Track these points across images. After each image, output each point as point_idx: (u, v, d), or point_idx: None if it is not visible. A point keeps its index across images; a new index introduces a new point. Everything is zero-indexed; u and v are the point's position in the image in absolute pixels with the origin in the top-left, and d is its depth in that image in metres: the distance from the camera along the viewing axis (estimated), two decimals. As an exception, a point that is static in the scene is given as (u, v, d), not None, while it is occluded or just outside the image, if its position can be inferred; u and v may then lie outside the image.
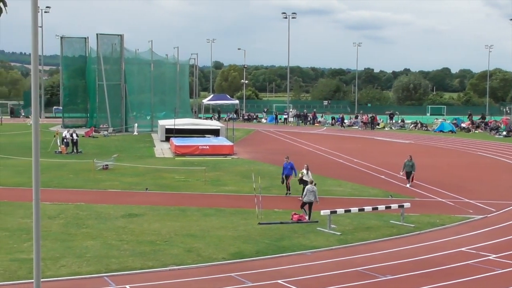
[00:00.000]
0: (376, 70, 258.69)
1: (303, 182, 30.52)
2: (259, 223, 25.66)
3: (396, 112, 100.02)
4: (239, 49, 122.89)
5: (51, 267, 19.14)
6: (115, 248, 21.67)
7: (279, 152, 52.63)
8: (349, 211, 26.08)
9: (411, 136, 73.33)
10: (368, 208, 26.60)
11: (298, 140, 65.29)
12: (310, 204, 26.62)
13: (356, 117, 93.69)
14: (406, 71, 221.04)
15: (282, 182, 32.51)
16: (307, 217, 26.51)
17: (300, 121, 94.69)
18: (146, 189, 33.98)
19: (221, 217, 26.97)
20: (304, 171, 30.88)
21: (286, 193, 32.20)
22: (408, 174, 35.92)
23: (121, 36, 76.06)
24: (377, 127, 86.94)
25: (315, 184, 27.37)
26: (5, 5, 5.11)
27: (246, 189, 33.13)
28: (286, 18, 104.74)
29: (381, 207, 26.88)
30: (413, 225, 25.98)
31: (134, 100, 78.17)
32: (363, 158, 49.40)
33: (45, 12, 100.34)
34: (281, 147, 58.79)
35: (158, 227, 24.91)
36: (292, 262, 20.61)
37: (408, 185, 35.53)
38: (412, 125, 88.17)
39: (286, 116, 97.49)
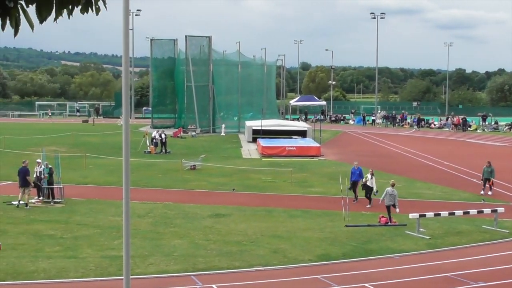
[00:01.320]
0: (468, 71, 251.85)
1: (367, 188, 29.96)
2: (346, 225, 25.46)
3: (489, 114, 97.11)
4: (326, 50, 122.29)
5: (140, 264, 19.53)
6: (202, 248, 21.92)
7: (367, 154, 52.07)
8: (439, 214, 25.53)
9: (505, 139, 71.12)
10: (459, 212, 25.99)
11: (386, 142, 64.46)
12: (392, 207, 26.25)
13: (447, 119, 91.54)
14: (501, 71, 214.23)
15: (350, 188, 30.93)
16: (392, 221, 26.14)
17: (389, 123, 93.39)
18: (233, 189, 34.25)
19: (307, 219, 26.90)
20: (369, 176, 29.95)
21: (354, 201, 30.58)
22: (486, 181, 33.97)
23: (209, 37, 76.95)
24: (469, 129, 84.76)
25: (392, 186, 26.88)
26: (104, 3, 5.23)
27: (333, 190, 32.92)
28: (374, 18, 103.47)
29: (473, 212, 26.21)
30: (507, 231, 25.20)
31: (222, 101, 78.86)
32: (453, 160, 48.26)
33: (136, 15, 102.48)
34: (369, 148, 58.20)
35: (245, 228, 25.06)
36: (380, 265, 20.35)
37: (489, 192, 33.87)
38: (507, 127, 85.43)
39: (374, 118, 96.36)
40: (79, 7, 5.08)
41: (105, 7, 5.32)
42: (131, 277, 12.32)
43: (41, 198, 29.90)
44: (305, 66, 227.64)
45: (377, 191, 29.50)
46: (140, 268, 19.23)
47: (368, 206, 29.37)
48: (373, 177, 29.88)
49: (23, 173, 29.17)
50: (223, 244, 22.53)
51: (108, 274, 18.71)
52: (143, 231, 24.16)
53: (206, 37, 77.43)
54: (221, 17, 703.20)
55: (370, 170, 30.59)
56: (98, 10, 5.20)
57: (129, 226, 11.99)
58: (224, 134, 70.79)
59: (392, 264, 20.56)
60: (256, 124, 62.05)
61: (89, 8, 5.14)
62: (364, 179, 30.27)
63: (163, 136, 52.10)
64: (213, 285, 17.92)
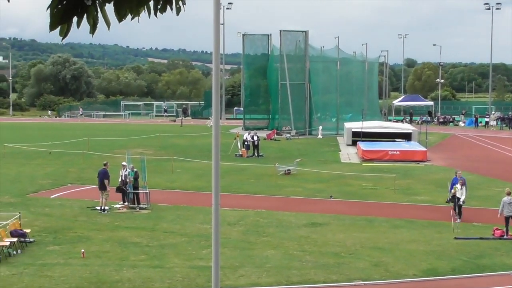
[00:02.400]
0: None
1: (457, 199, 28.18)
2: (455, 238, 24.92)
3: None
4: (434, 45, 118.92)
5: (230, 276, 19.66)
6: (297, 259, 21.88)
7: (479, 159, 50.90)
8: None
9: None
10: None
11: (501, 146, 62.64)
12: (510, 218, 25.45)
13: None
14: None
15: (448, 201, 29.55)
16: (508, 234, 25.37)
17: (504, 125, 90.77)
18: (331, 196, 34.10)
19: (412, 230, 26.48)
20: (458, 186, 28.43)
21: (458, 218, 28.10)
22: None
23: (305, 32, 76.77)
24: None
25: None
26: (183, 3, 5.33)
27: (440, 199, 32.33)
28: (489, 9, 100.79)
29: None
30: None
31: (319, 100, 78.52)
32: None
33: (227, 8, 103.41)
34: (481, 153, 56.79)
35: (343, 238, 24.88)
36: (493, 283, 19.81)
37: None
38: None
39: (487, 119, 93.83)
40: (159, 6, 5.19)
41: (183, 7, 5.39)
42: (220, 289, 12.42)
43: (126, 203, 30.54)
44: (410, 63, 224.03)
45: (463, 202, 28.41)
46: (230, 279, 19.35)
47: (458, 221, 27.42)
48: (464, 187, 28.45)
49: (102, 176, 30.08)
50: (320, 255, 22.45)
51: (196, 286, 18.94)
52: (234, 240, 24.32)
53: (302, 31, 77.31)
54: (319, 10, 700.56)
55: (461, 179, 29.11)
56: (178, 10, 5.29)
57: (218, 234, 12.09)
58: (321, 137, 70.48)
59: (508, 282, 19.99)
60: (356, 126, 61.42)
61: (168, 7, 5.25)
62: (453, 190, 28.67)
63: (255, 138, 52.38)
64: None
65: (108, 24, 5.06)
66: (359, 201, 33.41)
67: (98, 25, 5.01)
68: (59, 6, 4.77)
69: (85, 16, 4.91)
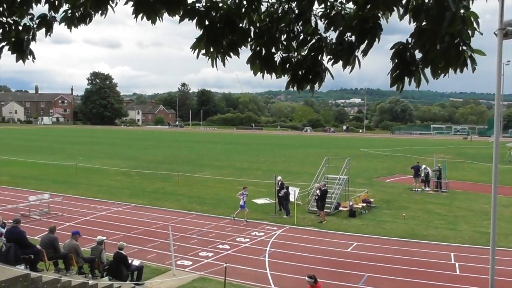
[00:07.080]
0: None
1: None
2: None
3: None
4: None
5: (502, 240, 17.72)
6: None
7: None
8: None
9: None
10: None
11: None
12: None
13: None
14: None
15: None
16: None
17: None
18: None
19: None
20: None
21: None
22: None
23: None
24: None
25: None
26: None
27: None
28: None
29: None
30: None
31: None
32: None
33: (506, 65, 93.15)
34: None
35: None
36: None
37: None
38: None
39: None
40: None
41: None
42: (495, 248, 11.34)
43: (430, 187, 29.19)
44: None
45: None
46: (503, 242, 17.41)
47: None
48: None
49: (416, 169, 29.45)
50: None
51: (478, 244, 17.43)
52: (506, 216, 21.83)
53: None
54: None
55: None
56: None
57: (495, 212, 11.09)
58: None
59: None
60: None
61: None
62: None
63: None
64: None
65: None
66: None
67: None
68: None
69: None
